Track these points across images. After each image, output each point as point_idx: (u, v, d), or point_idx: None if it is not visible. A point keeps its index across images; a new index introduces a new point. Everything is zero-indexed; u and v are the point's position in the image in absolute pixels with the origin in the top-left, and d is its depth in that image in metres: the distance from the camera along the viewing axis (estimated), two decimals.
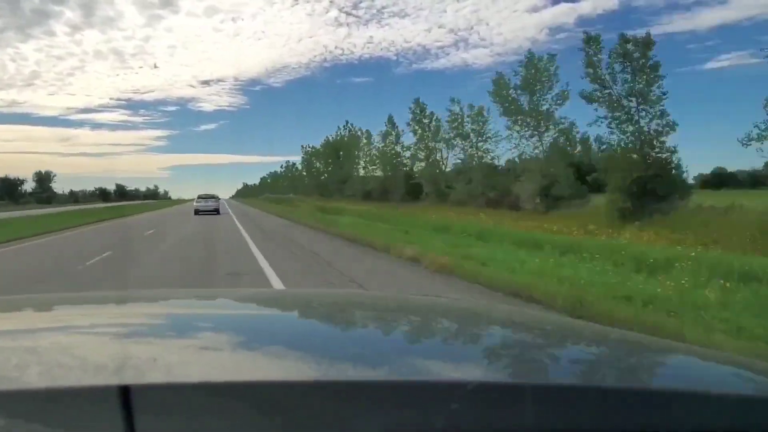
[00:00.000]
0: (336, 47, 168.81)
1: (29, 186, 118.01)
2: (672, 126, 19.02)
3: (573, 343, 1.13)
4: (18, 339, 0.96)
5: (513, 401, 0.65)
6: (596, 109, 19.92)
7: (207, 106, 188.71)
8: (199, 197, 36.78)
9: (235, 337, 0.97)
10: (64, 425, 0.56)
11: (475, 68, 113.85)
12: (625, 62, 18.96)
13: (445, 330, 1.25)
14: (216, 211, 34.69)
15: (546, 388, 0.74)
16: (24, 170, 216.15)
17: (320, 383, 0.69)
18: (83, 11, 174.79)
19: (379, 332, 1.18)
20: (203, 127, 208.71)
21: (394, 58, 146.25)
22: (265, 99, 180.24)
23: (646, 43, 18.76)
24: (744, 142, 15.71)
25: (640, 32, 18.87)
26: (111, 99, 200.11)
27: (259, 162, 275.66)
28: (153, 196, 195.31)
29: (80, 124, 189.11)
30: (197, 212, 33.73)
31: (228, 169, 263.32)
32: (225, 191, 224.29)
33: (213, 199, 36.62)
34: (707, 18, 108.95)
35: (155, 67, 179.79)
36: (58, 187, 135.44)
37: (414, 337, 1.13)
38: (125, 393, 0.56)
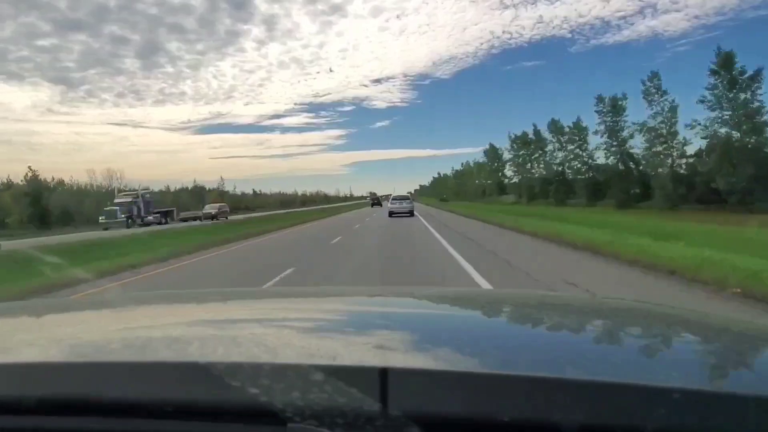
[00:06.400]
0: (503, 32, 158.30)
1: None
2: None
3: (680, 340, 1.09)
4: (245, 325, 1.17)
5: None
6: None
7: (380, 104, 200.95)
8: (393, 199, 40.04)
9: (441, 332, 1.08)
10: (330, 398, 0.67)
11: (667, 36, 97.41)
12: None
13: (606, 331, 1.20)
14: (410, 213, 35.97)
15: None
16: (226, 173, 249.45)
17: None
18: (266, 26, 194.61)
19: (519, 330, 1.23)
20: (378, 124, 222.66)
21: (569, 35, 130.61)
22: (434, 92, 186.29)
23: None
24: None
25: None
26: (295, 104, 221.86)
27: (433, 156, 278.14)
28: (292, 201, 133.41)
29: (271, 129, 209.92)
30: (392, 214, 35.92)
31: (403, 164, 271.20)
32: (402, 187, 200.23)
33: (407, 201, 38.36)
34: None
35: (330, 71, 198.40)
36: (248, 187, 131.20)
37: (548, 334, 1.17)
38: (383, 374, 0.69)
